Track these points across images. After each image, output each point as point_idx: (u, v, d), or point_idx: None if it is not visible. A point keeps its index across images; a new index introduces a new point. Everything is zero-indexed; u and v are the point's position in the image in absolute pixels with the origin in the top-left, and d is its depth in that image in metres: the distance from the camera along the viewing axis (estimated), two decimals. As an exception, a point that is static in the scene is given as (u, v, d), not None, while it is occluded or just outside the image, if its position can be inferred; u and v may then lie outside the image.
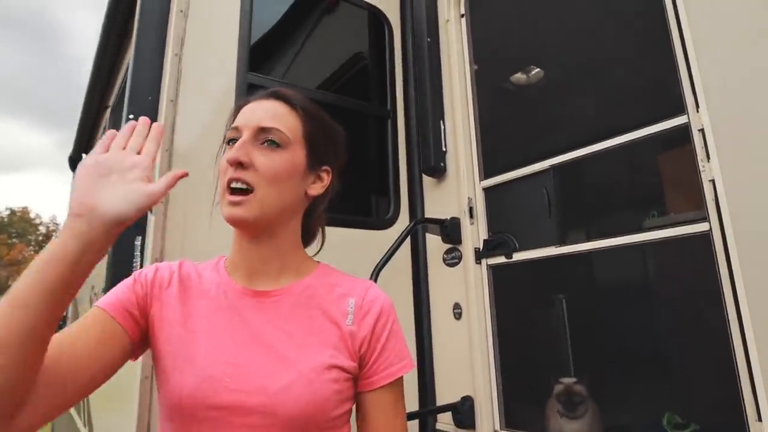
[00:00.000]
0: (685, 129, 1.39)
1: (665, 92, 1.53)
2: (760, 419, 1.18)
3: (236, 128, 0.88)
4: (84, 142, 5.03)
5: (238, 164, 0.83)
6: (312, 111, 0.95)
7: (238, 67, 1.94)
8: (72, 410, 3.24)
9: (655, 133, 1.49)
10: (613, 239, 1.59)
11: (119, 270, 1.50)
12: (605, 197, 1.80)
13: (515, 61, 2.13)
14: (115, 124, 3.60)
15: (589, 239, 1.68)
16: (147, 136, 0.79)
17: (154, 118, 1.69)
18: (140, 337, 0.83)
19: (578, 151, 1.70)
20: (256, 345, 0.82)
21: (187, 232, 1.66)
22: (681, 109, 1.41)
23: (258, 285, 0.89)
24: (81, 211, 0.68)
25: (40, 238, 71.93)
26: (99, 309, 0.80)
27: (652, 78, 1.62)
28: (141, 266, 1.53)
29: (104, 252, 0.70)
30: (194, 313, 0.85)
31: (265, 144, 0.86)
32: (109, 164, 0.73)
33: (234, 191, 0.83)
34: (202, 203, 1.74)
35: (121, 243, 1.52)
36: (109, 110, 3.76)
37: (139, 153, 0.77)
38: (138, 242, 1.56)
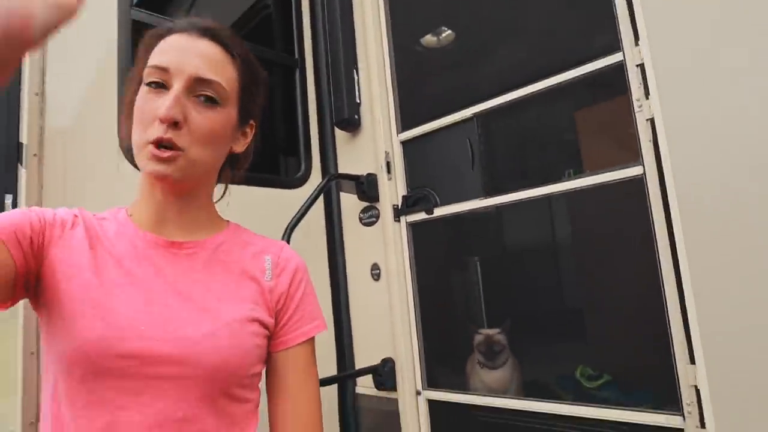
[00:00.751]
0: (619, 68, 1.33)
1: (598, 30, 1.48)
2: (693, 362, 1.17)
3: (164, 69, 0.74)
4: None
5: (173, 123, 0.72)
6: (248, 58, 0.84)
7: (119, 1, 1.66)
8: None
9: (586, 73, 1.43)
10: (539, 188, 1.54)
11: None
12: (530, 147, 1.76)
13: (437, 4, 2.01)
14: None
15: (514, 190, 1.62)
16: None
17: None
18: (24, 276, 0.70)
19: (504, 96, 1.62)
20: (172, 294, 0.75)
21: (68, 186, 1.42)
22: (615, 47, 1.35)
23: (169, 235, 0.81)
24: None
25: None
26: None
27: (584, 15, 1.57)
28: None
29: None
30: (102, 260, 0.75)
31: (202, 98, 0.75)
32: None
33: (161, 147, 0.73)
34: (85, 153, 1.50)
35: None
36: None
37: None
38: (8, 200, 1.32)
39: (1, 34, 0.49)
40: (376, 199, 1.94)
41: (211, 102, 0.76)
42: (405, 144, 1.93)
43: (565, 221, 1.69)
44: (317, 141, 2.18)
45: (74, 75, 1.54)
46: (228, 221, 0.92)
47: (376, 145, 1.96)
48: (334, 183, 2.04)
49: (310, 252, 1.99)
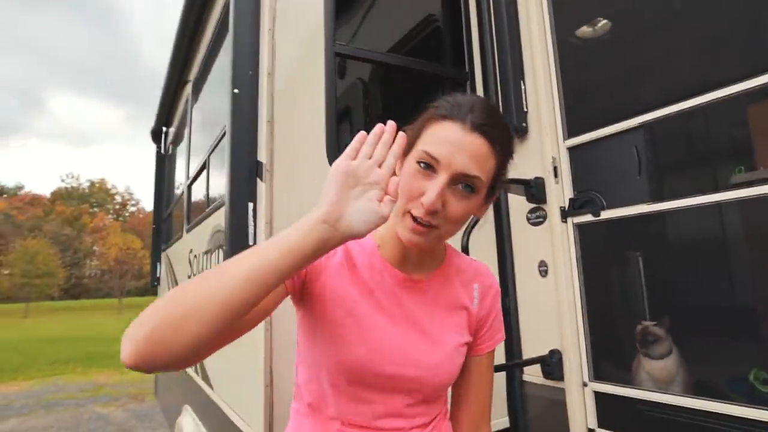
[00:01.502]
0: None
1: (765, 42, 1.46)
2: None
3: (436, 159, 0.87)
4: (164, 115, 5.33)
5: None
6: (507, 147, 0.94)
7: (325, 38, 2.01)
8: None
9: (754, 87, 1.44)
10: (705, 196, 1.57)
11: (236, 234, 1.65)
12: (698, 153, 1.76)
13: (598, 10, 2.07)
14: (196, 97, 3.79)
15: (680, 197, 1.66)
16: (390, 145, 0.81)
17: (255, 92, 1.82)
18: (291, 292, 0.96)
19: (672, 107, 1.66)
20: (411, 326, 0.98)
21: (291, 198, 1.79)
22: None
23: (409, 271, 1.01)
24: (328, 219, 0.75)
25: (117, 206, 76.86)
26: None
27: (753, 28, 1.56)
28: (255, 230, 1.67)
29: (321, 256, 0.79)
30: (358, 288, 0.97)
31: (461, 187, 0.88)
32: (356, 175, 0.77)
33: (419, 222, 0.88)
34: (303, 170, 1.87)
35: (236, 209, 1.67)
36: (190, 84, 3.95)
37: (379, 165, 0.80)
38: (251, 207, 1.70)
39: (318, 244, 0.75)
40: (544, 201, 2.08)
41: (469, 191, 0.88)
42: (571, 150, 2.04)
43: (736, 217, 1.65)
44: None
45: (294, 106, 1.92)
46: (445, 245, 1.08)
47: (543, 151, 2.09)
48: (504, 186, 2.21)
49: (480, 247, 2.20)
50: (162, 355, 0.68)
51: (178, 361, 0.69)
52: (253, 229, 1.68)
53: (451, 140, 0.87)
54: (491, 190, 0.95)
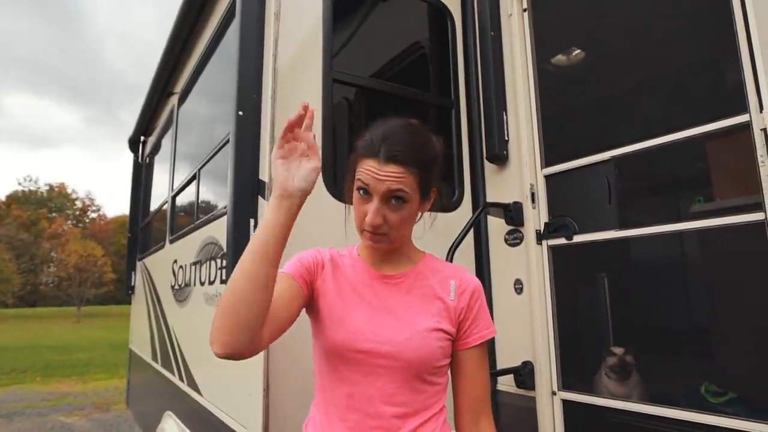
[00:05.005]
0: (746, 127, 1.54)
1: (724, 91, 1.67)
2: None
3: (366, 185, 1.11)
4: (144, 125, 5.34)
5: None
6: (420, 160, 1.12)
7: (324, 66, 2.14)
8: (162, 369, 3.59)
9: (714, 130, 1.64)
10: (667, 225, 1.77)
11: (238, 247, 1.76)
12: (662, 186, 1.97)
13: (578, 58, 2.28)
14: (182, 109, 3.86)
15: (645, 225, 1.86)
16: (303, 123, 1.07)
17: (258, 114, 1.93)
18: (307, 297, 1.16)
19: (640, 144, 1.87)
20: (385, 312, 1.16)
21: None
22: (742, 108, 1.55)
23: (385, 269, 1.22)
24: (282, 193, 1.03)
25: (77, 212, 74.45)
26: (286, 275, 1.15)
27: (713, 77, 1.77)
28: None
29: (296, 216, 1.05)
30: (343, 286, 1.19)
31: (393, 201, 1.11)
32: (288, 158, 1.07)
33: (373, 234, 1.14)
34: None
35: (238, 224, 1.78)
36: (176, 96, 4.01)
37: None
38: (252, 223, 1.81)
39: (286, 211, 1.02)
40: (521, 224, 2.25)
41: (400, 201, 1.10)
42: (548, 178, 2.22)
43: (694, 243, 1.85)
44: (468, 171, 2.54)
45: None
46: (424, 253, 1.29)
47: (522, 178, 2.27)
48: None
49: (460, 264, 2.33)
50: (231, 341, 0.95)
51: (242, 345, 0.95)
52: (255, 243, 1.77)
53: (373, 172, 1.10)
54: (424, 192, 1.16)
